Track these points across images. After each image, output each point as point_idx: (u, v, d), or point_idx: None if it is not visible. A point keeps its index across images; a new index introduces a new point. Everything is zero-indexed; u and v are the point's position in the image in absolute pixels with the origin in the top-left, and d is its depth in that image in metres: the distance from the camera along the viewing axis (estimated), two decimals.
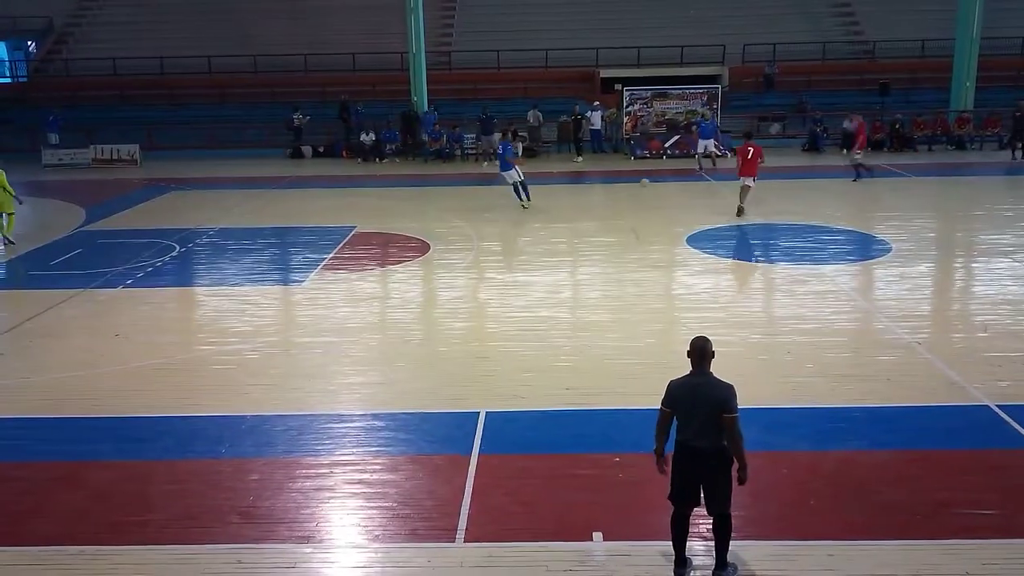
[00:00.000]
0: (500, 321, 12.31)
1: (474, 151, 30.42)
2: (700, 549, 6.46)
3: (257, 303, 13.48)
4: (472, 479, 7.68)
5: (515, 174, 20.32)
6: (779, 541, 6.68)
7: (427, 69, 31.56)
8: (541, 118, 30.49)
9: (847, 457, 8.05)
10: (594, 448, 8.20)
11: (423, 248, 16.72)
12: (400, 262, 15.97)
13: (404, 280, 14.94)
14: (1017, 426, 8.46)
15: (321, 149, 31.61)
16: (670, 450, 6.18)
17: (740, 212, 18.60)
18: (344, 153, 31.06)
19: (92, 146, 30.65)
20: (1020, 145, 26.50)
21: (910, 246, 16.16)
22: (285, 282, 14.98)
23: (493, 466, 7.95)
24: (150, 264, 15.88)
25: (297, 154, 31.53)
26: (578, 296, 13.93)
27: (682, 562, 6.23)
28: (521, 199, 20.43)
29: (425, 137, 30.44)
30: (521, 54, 33.20)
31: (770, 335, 11.47)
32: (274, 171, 28.25)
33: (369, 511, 7.30)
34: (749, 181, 18.74)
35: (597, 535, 6.74)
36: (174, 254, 16.76)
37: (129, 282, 14.62)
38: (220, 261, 16.25)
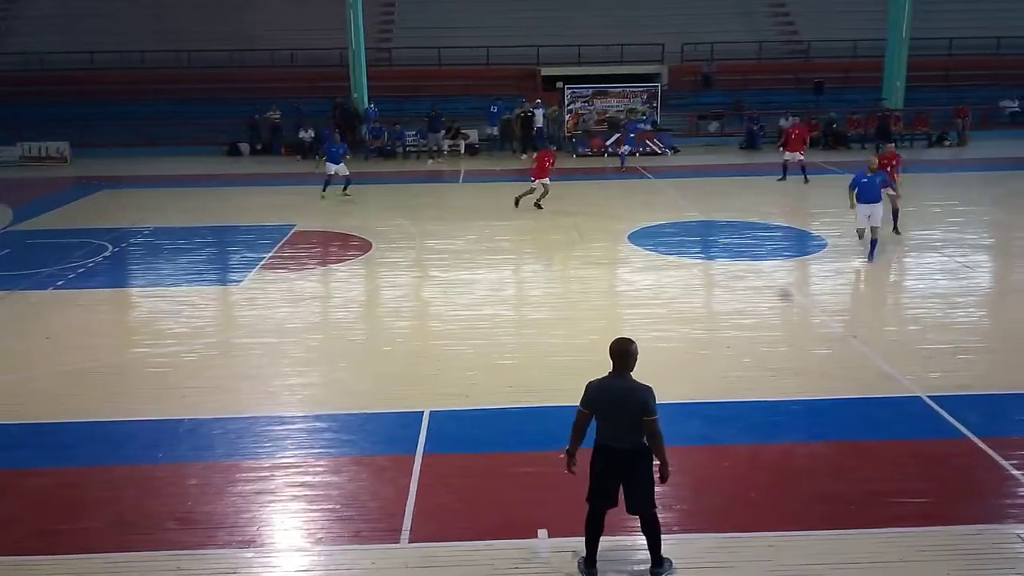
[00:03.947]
0: (444, 320, 12.25)
1: (416, 148, 30.26)
2: (642, 544, 6.49)
3: (193, 304, 13.19)
4: (416, 479, 7.63)
5: (342, 168, 21.76)
6: (721, 534, 6.77)
7: (367, 66, 31.29)
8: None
9: (785, 449, 8.22)
10: (538, 445, 8.20)
11: (365, 246, 16.56)
12: (341, 261, 15.79)
13: (346, 279, 14.78)
14: (948, 416, 8.72)
15: (259, 147, 31.13)
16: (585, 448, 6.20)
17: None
18: (283, 150, 30.61)
19: (19, 143, 29.66)
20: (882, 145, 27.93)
21: (844, 242, 16.53)
22: (223, 282, 14.69)
23: (438, 465, 7.91)
24: (81, 265, 15.42)
25: (234, 151, 30.99)
26: (522, 294, 13.94)
27: (592, 563, 6.22)
28: (324, 191, 21.64)
29: (366, 134, 30.17)
30: (462, 51, 33.09)
31: (710, 330, 11.64)
32: (211, 169, 27.71)
33: (311, 514, 7.20)
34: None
35: (542, 532, 6.75)
36: (106, 254, 16.31)
37: (60, 283, 14.17)
38: (155, 261, 15.87)
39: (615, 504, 6.17)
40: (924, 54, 31.76)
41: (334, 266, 15.52)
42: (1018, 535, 6.67)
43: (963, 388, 9.41)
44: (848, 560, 6.38)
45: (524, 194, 19.74)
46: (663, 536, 6.25)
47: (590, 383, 6.16)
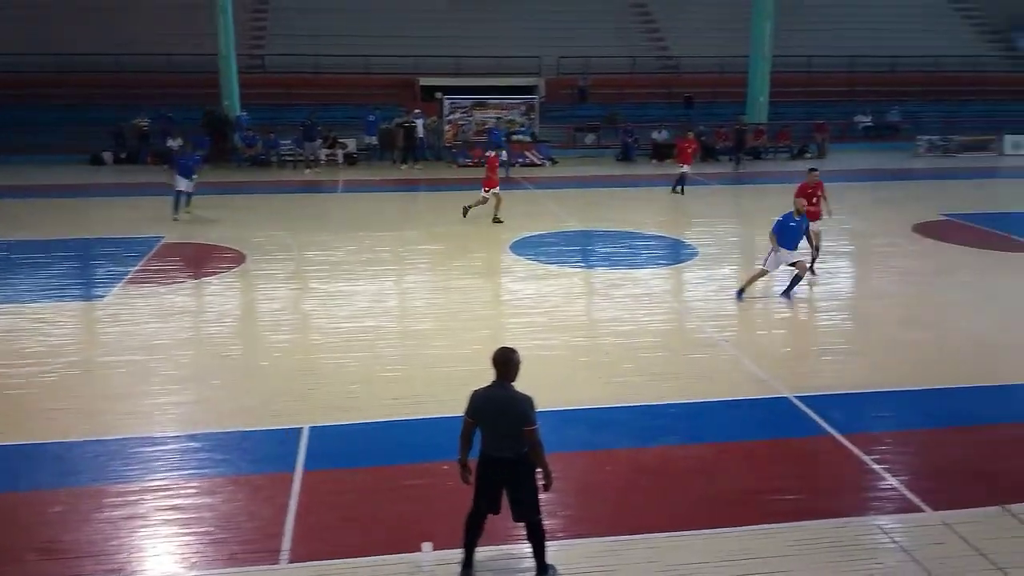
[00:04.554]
0: (324, 332, 11.99)
1: (292, 158, 29.61)
2: (527, 551, 6.52)
3: (53, 321, 12.42)
4: (296, 497, 7.41)
5: (189, 184, 19.86)
6: (605, 538, 6.86)
7: (239, 72, 30.42)
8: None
9: (665, 452, 8.41)
10: (422, 457, 8.12)
11: (239, 258, 16.03)
12: (214, 273, 15.23)
13: (219, 292, 14.25)
14: (813, 415, 9.15)
15: (124, 156, 29.75)
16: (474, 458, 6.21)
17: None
18: (149, 160, 29.37)
19: None
20: (741, 157, 29.79)
21: (715, 250, 17.19)
22: (85, 298, 13.90)
23: (319, 482, 7.71)
24: None
25: (98, 161, 29.51)
26: (404, 305, 13.80)
27: (469, 564, 6.26)
28: (177, 211, 19.72)
29: (238, 143, 29.31)
30: (339, 59, 32.65)
31: (591, 337, 11.83)
32: (72, 179, 26.29)
33: (184, 538, 6.87)
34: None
35: (427, 545, 6.66)
36: None
37: None
38: (9, 276, 14.86)
39: (498, 511, 6.19)
40: (785, 71, 33.45)
41: (205, 279, 14.95)
42: (879, 527, 7.05)
43: (827, 388, 9.89)
44: (727, 558, 6.58)
45: (475, 204, 19.44)
46: (548, 543, 6.29)
47: (474, 392, 6.17)
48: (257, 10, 35.79)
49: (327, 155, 29.61)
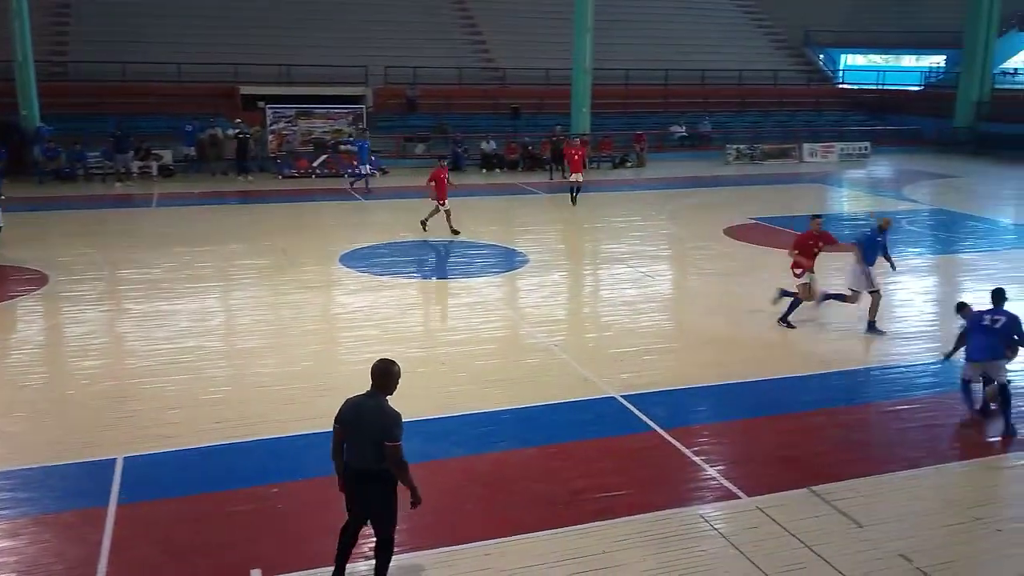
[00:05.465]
0: (140, 356, 11.30)
1: (100, 171, 27.78)
2: (366, 569, 6.40)
3: None
4: (110, 533, 6.93)
5: None
6: (438, 549, 6.84)
7: (39, 80, 28.26)
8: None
9: (498, 458, 8.50)
10: (251, 482, 7.82)
11: (40, 280, 14.85)
12: (11, 297, 14.04)
13: (18, 317, 13.17)
14: (637, 412, 9.53)
15: None
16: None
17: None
18: None
19: None
20: (562, 167, 28.89)
21: (545, 257, 17.58)
22: None
23: (137, 516, 7.25)
24: None
25: None
26: (229, 322, 13.24)
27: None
28: None
29: (39, 155, 27.19)
30: (151, 66, 30.95)
31: (426, 348, 11.78)
32: None
33: None
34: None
35: (255, 572, 6.42)
36: None
37: None
38: None
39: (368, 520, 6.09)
40: (606, 84, 34.72)
41: (1, 304, 13.75)
42: (700, 515, 7.42)
43: (650, 386, 10.33)
44: (559, 558, 6.72)
45: (431, 215, 18.93)
46: None
47: (347, 399, 6.05)
48: (59, 13, 33.38)
49: (140, 167, 27.98)
